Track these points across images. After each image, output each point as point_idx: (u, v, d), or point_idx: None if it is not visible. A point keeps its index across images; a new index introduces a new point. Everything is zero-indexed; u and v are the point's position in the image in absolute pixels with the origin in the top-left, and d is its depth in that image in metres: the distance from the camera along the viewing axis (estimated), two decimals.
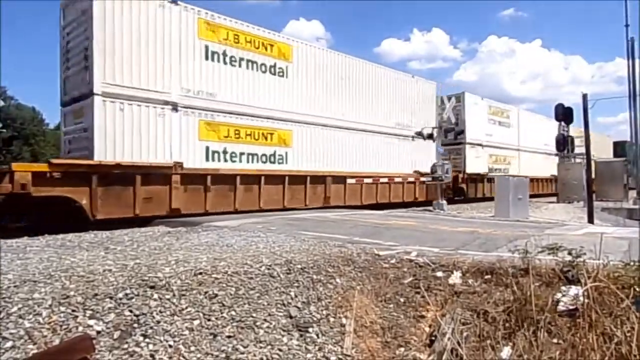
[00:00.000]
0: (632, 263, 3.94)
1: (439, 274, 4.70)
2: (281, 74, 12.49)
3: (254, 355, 3.40)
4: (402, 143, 16.28)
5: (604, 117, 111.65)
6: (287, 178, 12.50)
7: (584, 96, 14.42)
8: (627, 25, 18.80)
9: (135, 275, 3.93)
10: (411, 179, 16.39)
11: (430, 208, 14.47)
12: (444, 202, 14.44)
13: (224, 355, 3.32)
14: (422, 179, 16.10)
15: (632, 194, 19.02)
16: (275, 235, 6.76)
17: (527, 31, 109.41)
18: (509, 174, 21.36)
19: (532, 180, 23.20)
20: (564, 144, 21.29)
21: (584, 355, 3.21)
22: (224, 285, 4.01)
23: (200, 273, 4.09)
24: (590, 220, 12.54)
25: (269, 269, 4.45)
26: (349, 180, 14.16)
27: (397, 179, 15.67)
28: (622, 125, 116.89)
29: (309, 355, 3.58)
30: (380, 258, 5.17)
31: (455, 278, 4.57)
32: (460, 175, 19.66)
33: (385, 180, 15.22)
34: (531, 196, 22.27)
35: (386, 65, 16.67)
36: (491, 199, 16.97)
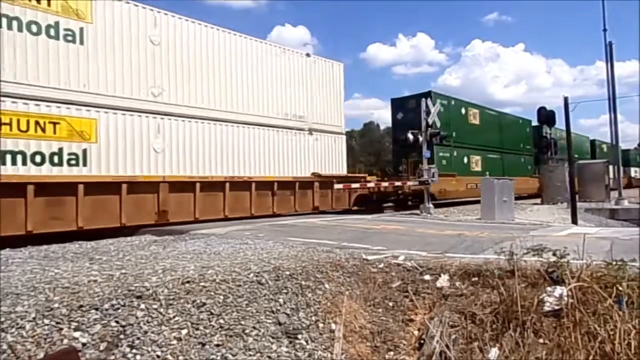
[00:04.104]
0: (614, 263, 4.02)
1: (427, 277, 4.73)
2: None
3: None
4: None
5: (585, 119, 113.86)
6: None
7: (566, 99, 14.70)
8: (605, 30, 19.25)
9: (121, 285, 3.89)
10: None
11: (418, 212, 14.57)
12: (431, 205, 14.55)
13: None
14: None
15: (614, 194, 19.39)
16: (263, 242, 6.74)
17: (511, 35, 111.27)
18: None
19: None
20: (547, 146, 21.66)
21: (569, 355, 3.26)
22: (212, 293, 3.98)
23: (188, 282, 4.06)
24: (574, 221, 12.73)
25: (257, 276, 4.43)
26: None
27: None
28: (604, 127, 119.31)
29: None
30: (369, 263, 5.19)
31: (443, 281, 4.61)
32: None
33: None
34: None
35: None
36: None
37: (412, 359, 3.85)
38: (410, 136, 15.15)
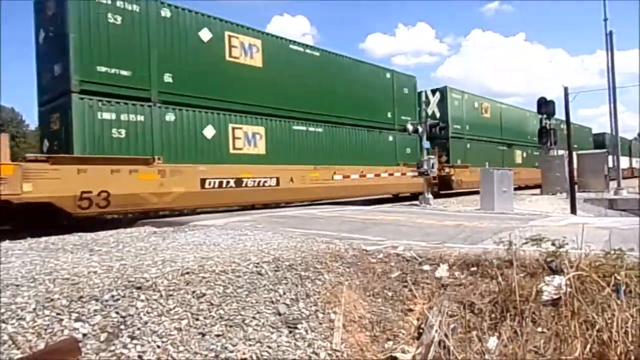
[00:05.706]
0: (612, 252, 4.03)
1: (426, 267, 4.75)
2: None
3: (244, 354, 3.39)
4: None
5: (585, 109, 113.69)
6: None
7: (565, 89, 14.67)
8: (605, 19, 19.14)
9: (121, 276, 3.89)
10: None
11: (417, 202, 14.59)
12: (430, 196, 14.56)
13: (213, 354, 3.31)
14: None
15: (613, 184, 19.41)
16: (262, 233, 6.75)
17: (511, 25, 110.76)
18: None
19: None
20: (546, 136, 21.57)
21: (567, 343, 3.28)
22: (212, 284, 3.99)
23: (188, 272, 4.07)
24: (573, 211, 12.76)
25: (256, 266, 4.45)
26: None
27: None
28: (603, 117, 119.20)
29: (298, 352, 3.59)
30: (368, 253, 5.20)
31: (442, 271, 4.63)
32: None
33: None
34: None
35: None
36: None
37: (411, 348, 3.87)
38: (410, 127, 15.08)
